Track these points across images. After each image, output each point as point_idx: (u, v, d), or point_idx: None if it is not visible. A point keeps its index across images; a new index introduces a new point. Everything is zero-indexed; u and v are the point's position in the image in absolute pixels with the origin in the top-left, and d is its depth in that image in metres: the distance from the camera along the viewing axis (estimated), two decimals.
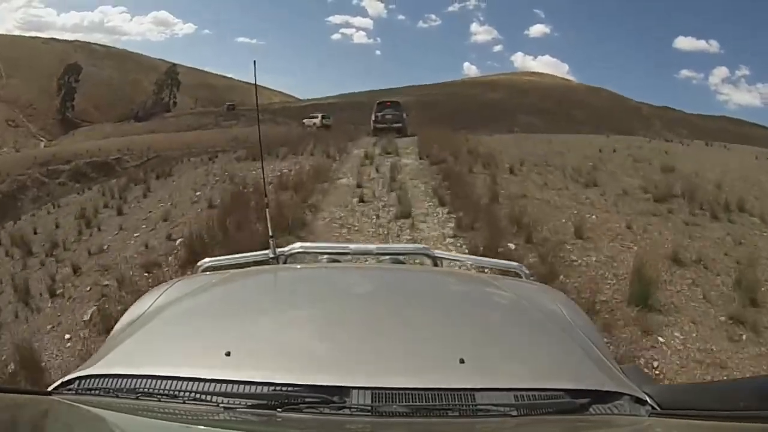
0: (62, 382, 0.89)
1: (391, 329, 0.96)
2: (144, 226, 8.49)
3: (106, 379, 0.86)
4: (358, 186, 8.64)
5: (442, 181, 8.75)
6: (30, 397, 0.92)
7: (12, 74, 78.06)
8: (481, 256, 4.21)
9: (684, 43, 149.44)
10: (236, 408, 0.77)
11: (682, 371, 3.83)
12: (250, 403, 0.78)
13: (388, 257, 1.79)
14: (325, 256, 1.76)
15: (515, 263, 1.75)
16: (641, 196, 8.28)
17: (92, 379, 0.87)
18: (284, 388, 0.78)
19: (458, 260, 2.09)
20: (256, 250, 1.79)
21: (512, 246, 5.79)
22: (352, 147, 14.31)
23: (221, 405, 0.78)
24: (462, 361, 0.82)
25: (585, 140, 16.20)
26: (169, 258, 6.36)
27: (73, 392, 0.87)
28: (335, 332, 0.94)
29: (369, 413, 0.76)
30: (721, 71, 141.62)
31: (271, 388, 0.79)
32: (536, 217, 6.58)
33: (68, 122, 72.18)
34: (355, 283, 1.26)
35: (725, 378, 3.69)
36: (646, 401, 0.83)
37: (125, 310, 1.22)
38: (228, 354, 0.83)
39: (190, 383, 0.80)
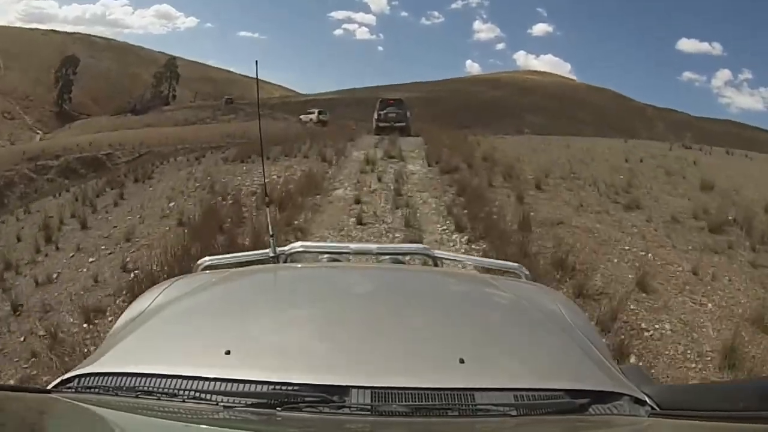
0: (62, 380, 0.89)
1: (391, 329, 0.95)
2: (103, 246, 7.20)
3: (106, 378, 0.85)
4: (357, 201, 7.28)
5: (457, 196, 7.41)
6: (29, 395, 0.93)
7: (10, 66, 77.44)
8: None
9: (687, 45, 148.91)
10: (236, 407, 0.77)
11: None
12: (249, 402, 0.77)
13: (388, 257, 1.75)
14: (326, 256, 1.72)
15: (515, 263, 1.71)
16: (692, 223, 6.96)
17: (92, 377, 0.86)
18: (284, 387, 0.78)
19: (458, 260, 2.03)
20: None
21: None
22: (351, 148, 12.84)
23: (221, 404, 0.77)
24: (462, 361, 0.82)
25: (603, 145, 14.84)
26: (117, 300, 5.09)
27: (73, 390, 0.86)
28: (335, 332, 0.93)
29: (369, 413, 0.75)
30: (724, 74, 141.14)
31: (271, 387, 0.78)
32: (582, 255, 5.27)
33: (65, 115, 71.43)
34: (355, 283, 1.25)
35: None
36: (646, 401, 0.82)
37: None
38: (228, 353, 0.83)
39: (190, 382, 0.80)
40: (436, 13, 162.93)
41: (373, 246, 1.90)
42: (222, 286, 1.22)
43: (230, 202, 7.38)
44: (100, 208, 9.98)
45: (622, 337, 4.01)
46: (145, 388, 0.80)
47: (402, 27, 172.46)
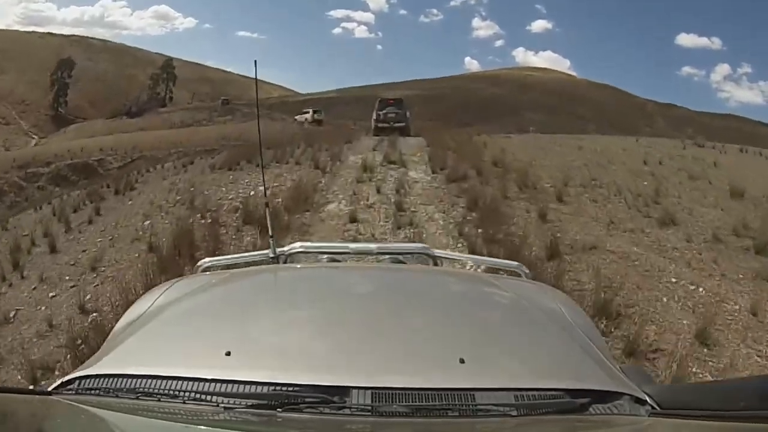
0: (62, 382, 0.89)
1: (391, 329, 0.95)
2: (68, 277, 6.35)
3: (106, 379, 0.85)
4: (352, 219, 6.37)
5: (468, 210, 6.50)
6: (30, 397, 0.92)
7: (6, 69, 76.66)
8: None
9: (686, 39, 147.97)
10: (236, 408, 0.77)
11: None
12: (250, 403, 0.77)
13: (388, 257, 1.74)
14: (325, 256, 1.71)
15: (515, 262, 1.69)
16: (735, 242, 6.08)
17: (92, 379, 0.86)
18: (284, 388, 0.77)
19: (458, 260, 2.00)
20: None
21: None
22: (348, 152, 11.93)
23: (221, 405, 0.77)
24: (462, 361, 0.81)
25: (617, 145, 13.91)
26: (69, 356, 4.23)
27: (73, 392, 0.86)
28: (335, 332, 0.93)
29: (369, 413, 0.75)
30: (723, 68, 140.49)
31: (271, 388, 0.78)
32: (625, 293, 4.39)
33: (61, 118, 70.74)
34: (355, 283, 1.24)
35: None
36: (646, 401, 0.82)
37: None
38: (228, 354, 0.83)
39: (190, 383, 0.79)
40: (434, 11, 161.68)
41: (373, 246, 1.90)
42: (222, 288, 1.22)
43: (208, 221, 6.51)
44: (75, 225, 9.10)
45: None
46: (146, 390, 0.80)
47: (401, 25, 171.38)
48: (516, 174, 8.22)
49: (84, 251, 7.20)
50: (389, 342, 0.89)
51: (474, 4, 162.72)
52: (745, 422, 0.70)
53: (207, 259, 1.74)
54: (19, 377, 4.32)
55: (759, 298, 4.63)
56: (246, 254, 1.79)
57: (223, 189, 8.52)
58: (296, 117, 37.50)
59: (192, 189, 9.09)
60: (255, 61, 1.76)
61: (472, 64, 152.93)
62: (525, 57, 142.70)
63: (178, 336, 0.96)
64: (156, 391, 0.79)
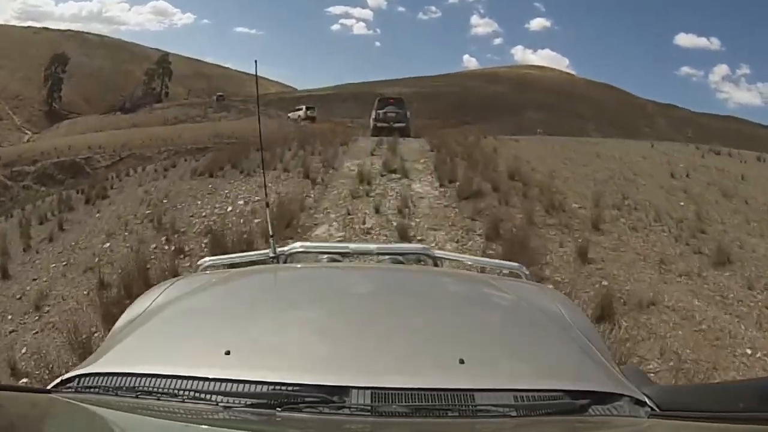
0: (62, 380, 0.87)
1: (391, 329, 0.93)
2: (10, 317, 5.33)
3: (106, 378, 0.83)
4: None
5: (487, 241, 5.43)
6: (29, 395, 0.91)
7: (0, 65, 75.18)
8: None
9: (685, 39, 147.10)
10: (236, 407, 0.75)
11: None
12: (249, 403, 0.76)
13: (388, 257, 1.72)
14: (325, 256, 1.69)
15: (515, 263, 1.67)
16: None
17: (92, 377, 0.85)
18: (284, 388, 0.76)
19: (458, 260, 1.99)
20: None
21: None
22: (343, 156, 10.79)
23: (221, 404, 0.76)
24: (462, 362, 0.80)
25: (635, 152, 12.78)
26: None
27: (73, 390, 0.85)
28: (335, 332, 0.92)
29: (369, 413, 0.74)
30: (722, 69, 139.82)
31: (271, 387, 0.76)
32: (701, 376, 3.43)
33: (55, 114, 69.74)
34: (355, 283, 1.23)
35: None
36: (646, 402, 0.80)
37: None
38: (228, 353, 0.81)
39: (190, 382, 0.78)
40: (433, 8, 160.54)
41: (372, 246, 1.87)
42: (222, 287, 1.21)
43: (171, 248, 5.45)
44: (35, 243, 8.05)
45: None
46: (145, 388, 0.79)
47: (399, 22, 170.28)
48: (538, 189, 7.15)
49: (35, 280, 6.18)
50: (389, 342, 0.87)
51: (472, 2, 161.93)
52: (745, 424, 0.69)
53: (207, 258, 1.74)
54: None
55: None
56: (246, 254, 1.79)
57: (199, 203, 7.45)
58: (289, 114, 36.84)
59: (165, 201, 8.04)
60: (255, 61, 1.76)
61: (470, 62, 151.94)
62: (524, 55, 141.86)
63: (178, 335, 0.94)
64: (156, 389, 0.78)
